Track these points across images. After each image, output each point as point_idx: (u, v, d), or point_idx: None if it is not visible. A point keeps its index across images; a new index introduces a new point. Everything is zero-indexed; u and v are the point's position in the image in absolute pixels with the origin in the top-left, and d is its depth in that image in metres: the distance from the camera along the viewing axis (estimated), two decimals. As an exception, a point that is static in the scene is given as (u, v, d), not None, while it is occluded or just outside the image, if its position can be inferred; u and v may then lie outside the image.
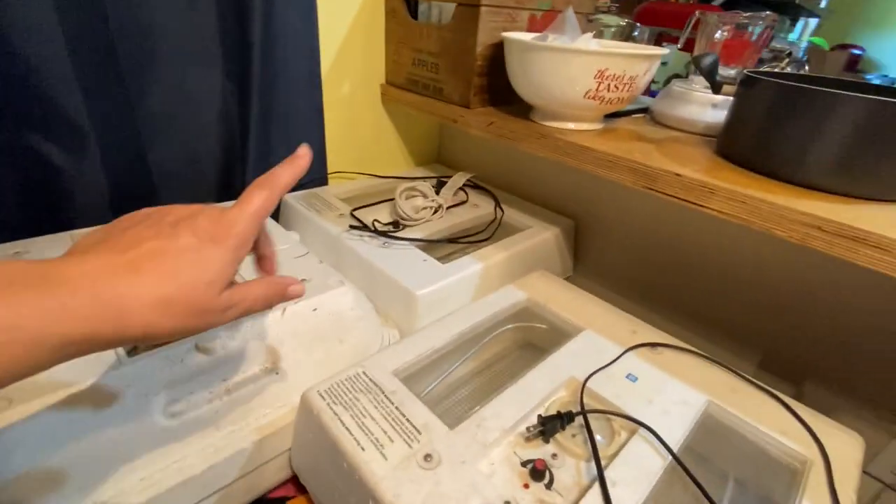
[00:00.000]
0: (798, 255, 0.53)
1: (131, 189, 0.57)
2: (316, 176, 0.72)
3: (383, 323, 0.52)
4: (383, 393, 0.37)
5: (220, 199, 0.64)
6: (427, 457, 0.32)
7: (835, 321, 0.52)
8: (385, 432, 0.34)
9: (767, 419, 0.38)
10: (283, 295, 0.31)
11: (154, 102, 0.55)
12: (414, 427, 0.34)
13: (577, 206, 0.72)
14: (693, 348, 0.45)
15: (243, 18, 0.55)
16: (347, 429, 0.34)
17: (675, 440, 0.35)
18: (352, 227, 0.60)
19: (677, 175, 0.44)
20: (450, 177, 0.74)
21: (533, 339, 0.55)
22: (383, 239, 0.59)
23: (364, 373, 0.39)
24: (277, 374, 0.40)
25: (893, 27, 2.26)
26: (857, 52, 2.05)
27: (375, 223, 0.61)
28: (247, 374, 0.39)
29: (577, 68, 0.49)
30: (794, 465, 0.36)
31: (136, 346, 0.35)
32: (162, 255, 0.24)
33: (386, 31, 0.70)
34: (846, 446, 0.36)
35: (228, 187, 0.65)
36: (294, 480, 0.42)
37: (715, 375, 0.43)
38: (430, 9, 0.66)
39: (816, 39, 1.28)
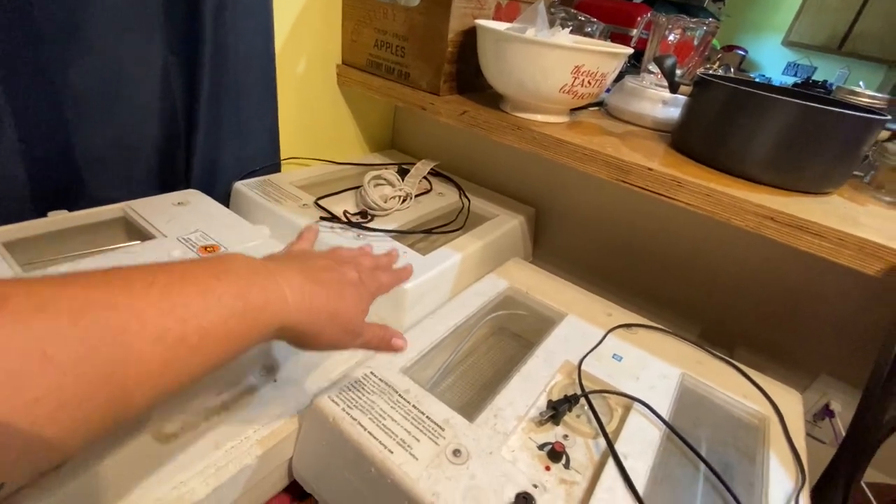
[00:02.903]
0: (732, 237, 0.61)
1: (54, 180, 0.48)
2: (269, 162, 0.66)
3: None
4: (397, 393, 0.37)
5: (160, 192, 0.56)
6: (456, 452, 0.33)
7: (759, 296, 0.61)
8: (409, 432, 0.34)
9: (729, 385, 0.44)
10: (388, 342, 0.34)
11: (81, 77, 0.47)
12: (436, 424, 0.35)
13: (536, 193, 0.75)
14: (661, 326, 0.50)
15: (192, -16, 0.49)
16: (370, 433, 0.33)
17: (665, 411, 0.39)
18: (322, 218, 0.57)
19: (649, 169, 0.48)
20: (409, 164, 0.73)
21: (508, 325, 0.57)
22: (356, 231, 0.56)
23: (373, 373, 0.38)
24: (276, 381, 0.38)
25: (770, 31, 2.60)
26: (741, 52, 2.34)
27: (346, 214, 0.58)
28: (243, 385, 0.36)
29: (554, 62, 0.51)
30: (754, 422, 0.42)
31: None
32: (336, 281, 0.30)
33: (343, 8, 0.66)
34: (790, 403, 0.43)
35: (168, 178, 0.58)
36: (290, 488, 0.40)
37: (682, 350, 0.48)
38: (395, -12, 0.63)
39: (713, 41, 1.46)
